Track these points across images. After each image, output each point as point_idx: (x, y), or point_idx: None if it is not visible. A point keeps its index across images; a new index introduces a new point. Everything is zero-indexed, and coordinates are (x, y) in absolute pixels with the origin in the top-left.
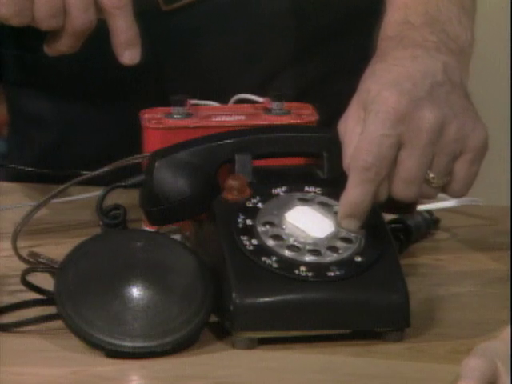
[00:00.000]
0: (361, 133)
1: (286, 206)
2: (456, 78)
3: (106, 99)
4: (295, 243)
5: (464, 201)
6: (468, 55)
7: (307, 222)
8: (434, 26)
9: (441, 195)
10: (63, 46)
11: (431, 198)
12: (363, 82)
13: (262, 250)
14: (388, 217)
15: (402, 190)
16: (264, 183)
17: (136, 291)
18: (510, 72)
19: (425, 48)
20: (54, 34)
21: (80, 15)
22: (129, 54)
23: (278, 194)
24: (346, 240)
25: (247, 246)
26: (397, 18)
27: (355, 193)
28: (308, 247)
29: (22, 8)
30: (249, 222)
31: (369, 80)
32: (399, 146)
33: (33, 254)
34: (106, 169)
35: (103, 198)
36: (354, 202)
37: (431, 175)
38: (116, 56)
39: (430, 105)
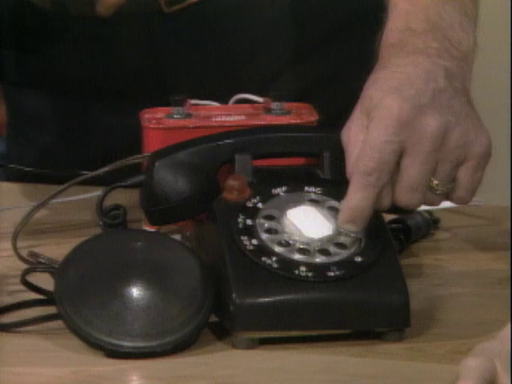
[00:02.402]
0: (363, 139)
1: (291, 203)
2: (458, 83)
3: (106, 99)
4: (288, 240)
5: None
6: (470, 60)
7: (306, 222)
8: (436, 32)
9: None
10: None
11: (435, 204)
12: (366, 90)
13: (262, 250)
14: (388, 217)
15: (405, 197)
16: (264, 183)
17: (136, 291)
18: (510, 72)
19: (427, 54)
20: None
21: None
22: None
23: (278, 194)
24: (341, 245)
25: (247, 246)
26: (398, 25)
27: (356, 198)
28: (298, 245)
29: None
30: (249, 221)
31: (371, 87)
32: (402, 153)
33: (33, 254)
34: (106, 169)
35: (103, 198)
36: (355, 207)
37: (435, 182)
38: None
39: (432, 111)
